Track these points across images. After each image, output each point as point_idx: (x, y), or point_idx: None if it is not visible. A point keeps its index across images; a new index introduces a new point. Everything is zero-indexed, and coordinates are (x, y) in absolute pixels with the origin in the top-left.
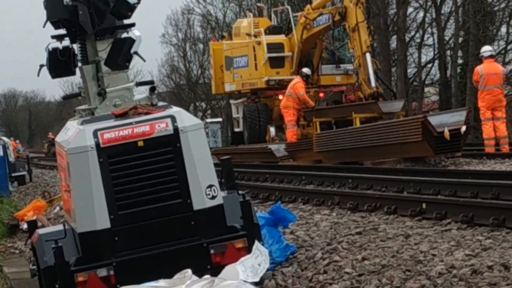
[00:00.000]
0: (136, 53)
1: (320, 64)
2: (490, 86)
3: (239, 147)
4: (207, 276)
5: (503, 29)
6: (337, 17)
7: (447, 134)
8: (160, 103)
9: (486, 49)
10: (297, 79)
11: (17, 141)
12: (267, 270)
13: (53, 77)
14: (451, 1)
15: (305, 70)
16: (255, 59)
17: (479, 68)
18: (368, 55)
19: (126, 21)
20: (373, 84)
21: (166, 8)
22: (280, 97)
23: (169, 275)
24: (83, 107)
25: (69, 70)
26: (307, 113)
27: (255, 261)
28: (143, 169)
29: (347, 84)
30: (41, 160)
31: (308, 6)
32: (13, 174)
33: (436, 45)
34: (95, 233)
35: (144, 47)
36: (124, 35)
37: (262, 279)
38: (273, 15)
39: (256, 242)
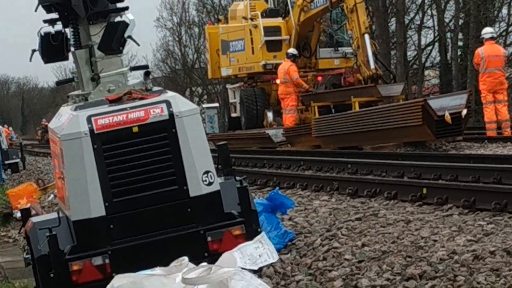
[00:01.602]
0: (130, 37)
1: (318, 48)
2: (491, 69)
3: (236, 132)
4: (204, 263)
5: (504, 11)
6: None
7: (448, 117)
8: (155, 88)
9: (487, 31)
10: (287, 62)
11: (10, 128)
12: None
13: (46, 62)
14: None
15: (291, 50)
16: (252, 43)
17: (480, 50)
18: (366, 36)
19: (119, 5)
20: (372, 66)
21: None
22: (278, 81)
23: (166, 263)
24: (76, 92)
25: (62, 55)
26: (305, 98)
27: (255, 251)
28: (138, 156)
29: (345, 67)
30: (35, 147)
31: None
32: (6, 162)
33: (436, 27)
34: (90, 221)
35: (138, 31)
36: (118, 19)
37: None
38: None
39: (263, 234)
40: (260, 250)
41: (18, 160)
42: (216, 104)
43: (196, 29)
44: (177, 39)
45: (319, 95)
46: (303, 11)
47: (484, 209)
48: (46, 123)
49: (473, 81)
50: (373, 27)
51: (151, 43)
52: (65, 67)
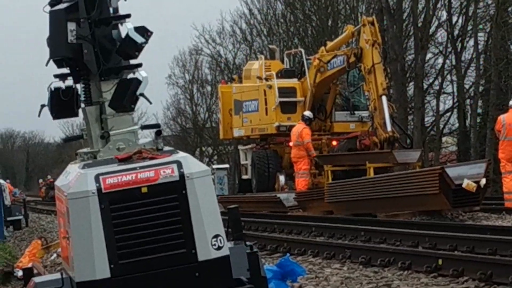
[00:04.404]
0: (142, 95)
1: (333, 110)
2: (511, 137)
3: (246, 195)
4: None
5: None
6: (352, 59)
7: (471, 186)
8: (166, 148)
9: None
10: (301, 125)
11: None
12: None
13: (55, 118)
14: (472, 48)
15: (307, 113)
16: (266, 104)
17: (502, 117)
18: (384, 98)
19: (132, 61)
20: (389, 128)
21: (173, 48)
22: (291, 143)
23: None
24: (85, 150)
25: (72, 111)
26: (320, 158)
27: None
28: (147, 217)
29: (361, 131)
30: (38, 204)
31: (322, 48)
32: (8, 219)
33: (456, 93)
34: (94, 282)
35: (149, 88)
36: (130, 75)
37: None
38: (285, 58)
39: None
40: None
41: (21, 217)
42: (227, 165)
43: (209, 88)
44: (188, 97)
45: (333, 157)
46: (319, 71)
47: (501, 283)
48: (52, 180)
49: (492, 149)
50: (391, 91)
51: (162, 100)
52: (73, 122)
